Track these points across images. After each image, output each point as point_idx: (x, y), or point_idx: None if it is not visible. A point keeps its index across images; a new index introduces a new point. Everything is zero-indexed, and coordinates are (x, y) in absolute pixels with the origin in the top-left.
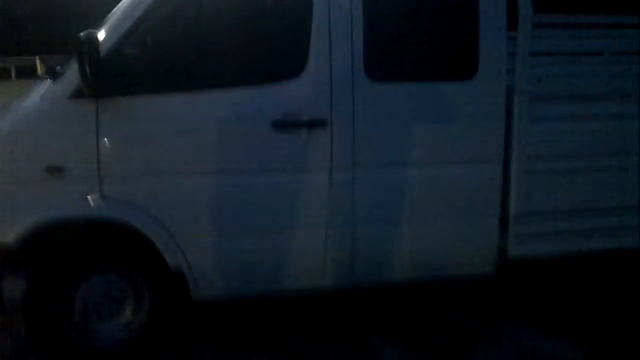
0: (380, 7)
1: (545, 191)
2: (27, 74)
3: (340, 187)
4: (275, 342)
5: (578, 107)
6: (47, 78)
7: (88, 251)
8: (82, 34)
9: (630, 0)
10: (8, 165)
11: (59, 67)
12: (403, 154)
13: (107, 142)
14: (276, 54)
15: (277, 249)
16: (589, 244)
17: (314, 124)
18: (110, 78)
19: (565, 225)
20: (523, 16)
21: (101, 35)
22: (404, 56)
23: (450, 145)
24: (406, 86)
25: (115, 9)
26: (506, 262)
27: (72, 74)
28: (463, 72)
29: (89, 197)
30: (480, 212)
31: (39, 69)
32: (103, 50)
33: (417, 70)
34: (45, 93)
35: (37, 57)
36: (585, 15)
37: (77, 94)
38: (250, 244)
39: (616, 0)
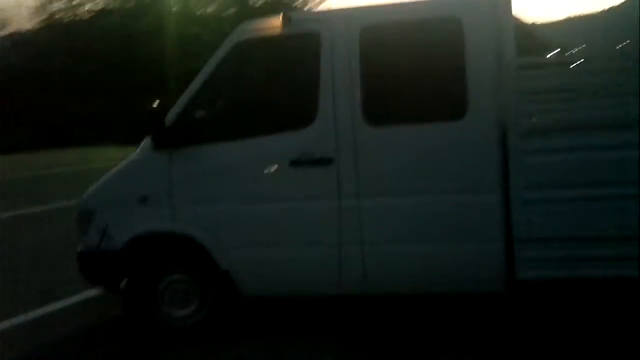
0: (375, 63)
1: (546, 219)
2: None
3: (348, 212)
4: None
5: (570, 139)
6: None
7: (167, 259)
8: (149, 107)
9: None
10: (117, 196)
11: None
12: (402, 185)
13: (176, 180)
14: (293, 108)
15: (300, 260)
16: (591, 271)
17: (323, 162)
18: (179, 134)
19: (568, 251)
20: (507, 59)
21: (173, 107)
22: (396, 103)
23: (446, 177)
24: (400, 128)
25: None
26: (515, 282)
27: None
28: (453, 113)
29: (164, 218)
30: (482, 236)
31: None
32: (172, 116)
33: (410, 114)
34: (143, 146)
35: None
36: (565, 55)
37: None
38: (277, 256)
39: None
